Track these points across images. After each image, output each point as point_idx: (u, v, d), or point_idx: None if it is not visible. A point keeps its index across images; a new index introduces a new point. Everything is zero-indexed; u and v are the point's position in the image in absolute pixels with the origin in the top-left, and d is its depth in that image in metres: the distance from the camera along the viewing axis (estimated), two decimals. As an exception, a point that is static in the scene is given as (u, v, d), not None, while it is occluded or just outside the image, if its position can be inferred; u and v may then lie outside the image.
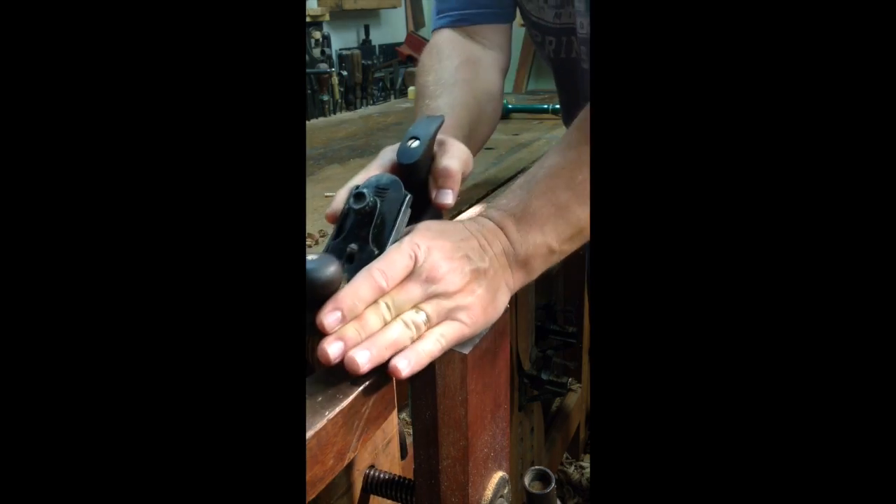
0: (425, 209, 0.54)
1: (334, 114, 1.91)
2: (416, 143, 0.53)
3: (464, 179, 0.56)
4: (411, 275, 0.45)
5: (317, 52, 2.08)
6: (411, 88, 1.99)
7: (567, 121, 1.04)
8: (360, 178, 0.54)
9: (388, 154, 0.57)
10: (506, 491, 0.55)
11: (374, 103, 2.13)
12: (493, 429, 0.53)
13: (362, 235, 0.48)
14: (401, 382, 0.48)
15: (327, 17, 2.16)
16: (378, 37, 2.59)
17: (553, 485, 0.58)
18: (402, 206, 0.49)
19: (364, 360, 0.41)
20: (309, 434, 0.39)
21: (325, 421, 0.40)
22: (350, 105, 2.07)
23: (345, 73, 2.11)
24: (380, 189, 0.50)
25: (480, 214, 0.53)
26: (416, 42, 2.50)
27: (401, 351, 0.43)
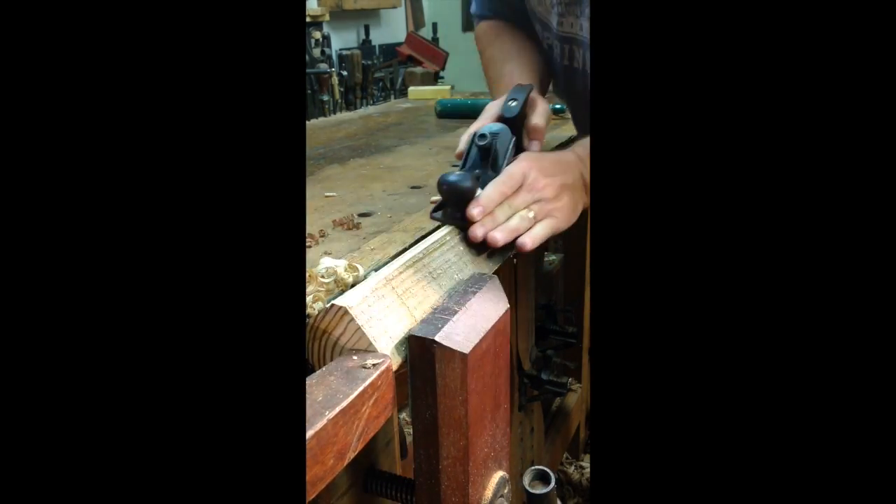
0: (520, 150, 0.76)
1: (334, 114, 1.91)
2: (514, 103, 0.75)
3: (546, 126, 0.79)
4: (521, 186, 0.65)
5: (317, 52, 2.08)
6: (411, 88, 1.99)
7: (575, 123, 1.08)
8: (477, 126, 0.74)
9: (494, 108, 0.78)
10: (506, 491, 0.55)
11: (374, 103, 2.12)
12: (493, 429, 0.53)
13: (482, 164, 0.69)
14: (401, 382, 0.48)
15: (327, 17, 2.16)
16: (378, 37, 2.59)
17: (553, 485, 0.58)
18: (510, 144, 0.71)
19: (499, 237, 0.61)
20: (309, 434, 0.39)
21: (325, 421, 0.40)
22: (350, 105, 2.07)
23: (345, 73, 2.11)
24: (493, 133, 0.70)
25: (564, 151, 0.74)
26: (416, 42, 2.50)
27: (521, 235, 0.63)
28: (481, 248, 0.64)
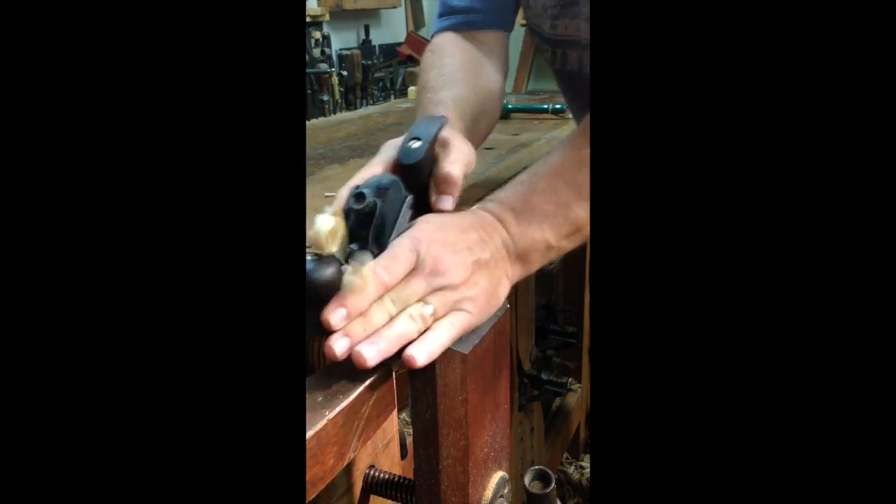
0: (425, 209, 0.54)
1: (334, 114, 1.91)
2: (417, 144, 0.53)
3: (465, 178, 0.57)
4: (415, 269, 0.45)
5: (317, 52, 2.08)
6: (411, 88, 1.99)
7: (577, 122, 1.03)
8: (361, 177, 0.54)
9: (389, 150, 0.57)
10: (506, 491, 0.55)
11: (374, 103, 2.13)
12: (493, 429, 0.53)
13: (363, 236, 0.48)
14: (401, 382, 0.48)
15: (327, 17, 2.16)
16: (378, 37, 2.59)
17: (553, 485, 0.58)
18: (402, 206, 0.49)
19: (371, 354, 0.42)
20: (309, 434, 0.39)
21: (325, 421, 0.40)
22: (350, 105, 2.07)
23: (345, 73, 2.12)
24: (381, 189, 0.50)
25: (480, 207, 0.54)
26: (416, 42, 2.50)
27: (410, 343, 0.44)
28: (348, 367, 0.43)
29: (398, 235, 0.48)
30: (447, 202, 0.54)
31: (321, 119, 1.77)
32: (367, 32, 2.51)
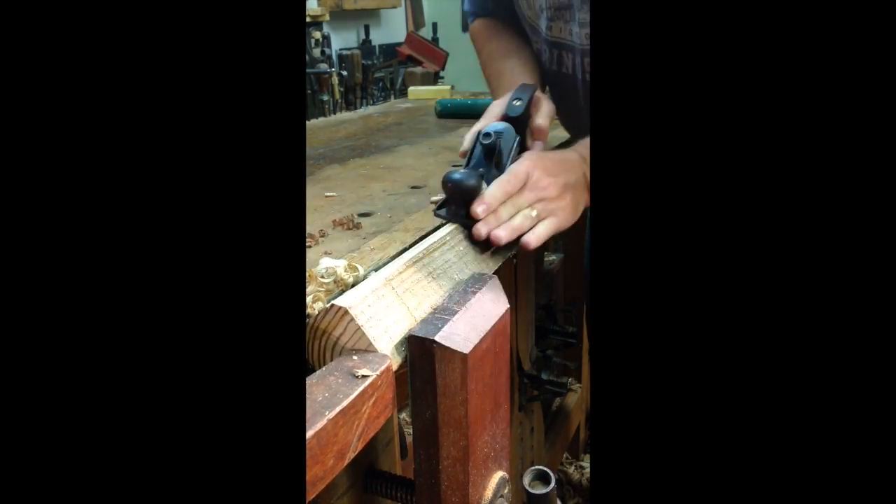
0: (524, 149, 0.77)
1: (334, 114, 1.91)
2: (519, 102, 0.75)
3: (549, 126, 0.79)
4: (525, 185, 0.65)
5: (317, 52, 2.07)
6: (411, 88, 1.99)
7: (564, 126, 1.05)
8: (481, 124, 0.75)
9: (497, 107, 0.78)
10: (506, 491, 0.55)
11: (374, 103, 2.12)
12: (493, 429, 0.53)
13: (486, 162, 0.70)
14: (401, 382, 0.48)
15: (327, 17, 2.16)
16: (378, 37, 2.59)
17: (553, 485, 0.58)
18: (514, 143, 0.71)
19: (503, 234, 0.62)
20: (309, 434, 0.39)
21: (325, 421, 0.40)
22: (350, 105, 2.07)
23: (345, 73, 2.11)
24: (498, 132, 0.70)
25: (571, 149, 0.75)
26: (416, 42, 2.50)
27: (525, 233, 0.64)
28: (485, 245, 0.64)
29: (511, 163, 0.69)
30: (538, 145, 0.78)
31: (321, 119, 1.77)
32: (367, 32, 2.51)
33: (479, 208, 0.62)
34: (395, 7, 2.73)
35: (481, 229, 0.62)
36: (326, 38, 2.16)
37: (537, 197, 0.66)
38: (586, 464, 1.59)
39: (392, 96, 2.28)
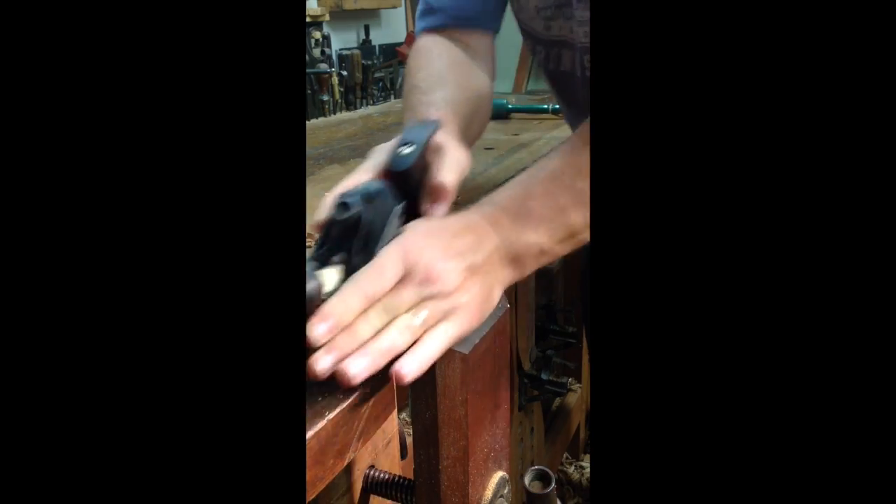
0: (416, 217, 0.51)
1: (334, 114, 1.91)
2: (408, 150, 0.50)
3: (459, 185, 0.54)
4: (404, 278, 0.43)
5: (317, 52, 2.07)
6: (411, 88, 1.98)
7: (572, 126, 1.03)
8: (346, 184, 0.51)
9: (379, 155, 0.54)
10: (506, 491, 0.55)
11: (374, 103, 2.12)
12: (493, 429, 0.53)
13: (347, 247, 0.46)
14: (401, 382, 0.47)
15: (327, 17, 2.16)
16: (378, 37, 2.59)
17: (553, 485, 0.58)
18: (390, 215, 0.47)
19: (358, 369, 0.40)
20: (309, 434, 0.39)
21: (325, 421, 0.40)
22: (350, 105, 2.07)
23: (345, 73, 2.11)
24: (368, 196, 0.46)
25: (474, 208, 0.52)
26: (416, 42, 2.50)
27: (400, 356, 0.42)
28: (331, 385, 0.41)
29: (385, 245, 0.45)
30: (440, 212, 0.51)
31: (321, 119, 1.77)
32: (367, 32, 2.51)
33: (314, 330, 0.40)
34: (395, 7, 2.73)
35: (319, 362, 0.39)
36: (326, 38, 2.16)
37: (423, 294, 0.43)
38: (586, 464, 1.59)
39: (392, 96, 2.28)
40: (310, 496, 0.40)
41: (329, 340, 0.40)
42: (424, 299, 0.44)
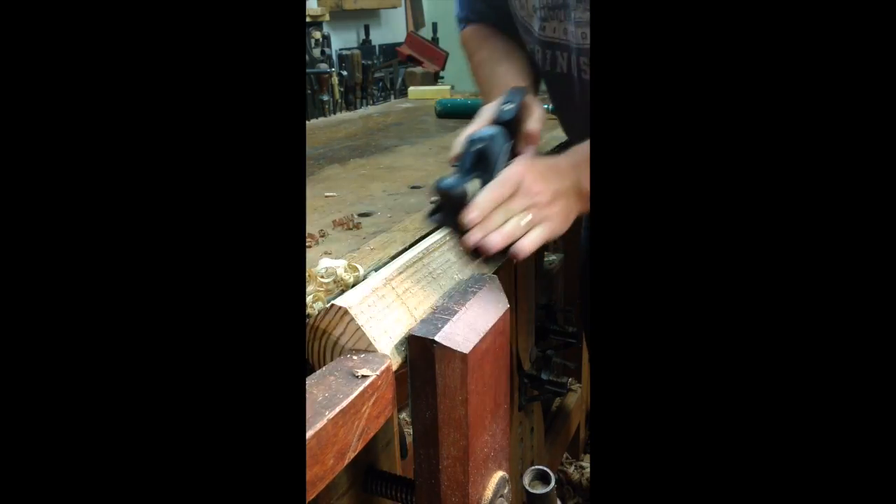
0: (515, 154, 0.75)
1: (334, 114, 1.91)
2: (510, 106, 0.74)
3: (541, 131, 0.77)
4: (516, 191, 0.64)
5: (317, 52, 2.07)
6: (411, 88, 1.98)
7: (564, 127, 1.05)
8: (471, 129, 0.73)
9: (488, 111, 0.77)
10: (506, 491, 0.55)
11: (374, 103, 2.12)
12: (493, 429, 0.53)
13: (477, 168, 0.67)
14: (401, 382, 0.48)
15: (327, 17, 2.16)
16: (378, 37, 2.59)
17: (553, 485, 0.58)
18: (504, 148, 0.70)
19: (494, 242, 0.60)
20: (309, 434, 0.39)
21: (325, 421, 0.40)
22: (350, 105, 2.06)
23: (345, 73, 2.11)
24: (491, 136, 0.70)
25: (561, 156, 0.74)
26: (416, 42, 2.49)
27: (517, 240, 0.62)
28: (474, 254, 0.63)
29: (503, 168, 0.67)
30: (530, 150, 0.75)
31: (321, 119, 1.77)
32: (367, 32, 2.51)
33: (469, 216, 0.60)
34: (395, 7, 2.73)
35: (471, 237, 0.60)
36: (326, 38, 2.15)
37: (529, 203, 0.64)
38: (586, 464, 1.59)
39: (392, 96, 2.28)
40: (310, 496, 0.40)
41: (476, 224, 0.60)
42: (528, 208, 0.64)
